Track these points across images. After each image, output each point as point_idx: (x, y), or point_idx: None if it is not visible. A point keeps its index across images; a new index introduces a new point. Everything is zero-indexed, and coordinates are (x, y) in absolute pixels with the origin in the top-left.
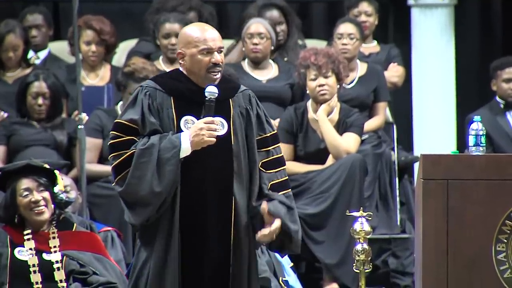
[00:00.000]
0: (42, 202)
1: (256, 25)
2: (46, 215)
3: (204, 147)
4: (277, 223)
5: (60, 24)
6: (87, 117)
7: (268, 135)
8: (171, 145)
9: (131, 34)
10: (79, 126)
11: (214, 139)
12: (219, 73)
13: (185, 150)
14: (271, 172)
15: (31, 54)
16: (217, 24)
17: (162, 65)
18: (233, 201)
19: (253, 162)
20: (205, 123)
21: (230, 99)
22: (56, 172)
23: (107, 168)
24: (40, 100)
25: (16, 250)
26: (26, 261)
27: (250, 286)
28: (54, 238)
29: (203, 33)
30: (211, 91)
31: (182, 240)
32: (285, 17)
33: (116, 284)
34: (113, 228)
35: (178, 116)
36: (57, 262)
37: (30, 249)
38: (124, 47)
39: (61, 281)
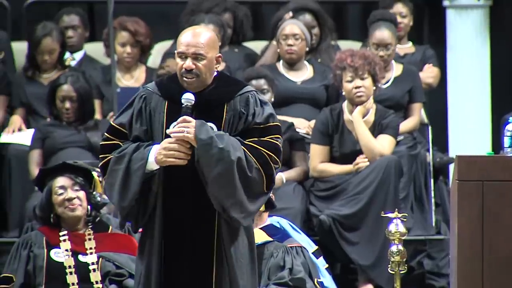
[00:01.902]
0: (76, 201)
1: (291, 26)
2: (79, 212)
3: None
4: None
5: (95, 25)
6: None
7: (262, 126)
8: (140, 157)
9: (166, 35)
10: None
11: (176, 160)
12: (194, 79)
13: (152, 163)
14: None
15: (67, 55)
16: (252, 25)
17: None
18: (217, 212)
19: None
20: (169, 143)
21: (226, 104)
22: (94, 173)
23: None
24: (67, 104)
25: (52, 252)
26: (62, 262)
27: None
28: (90, 239)
29: (184, 36)
30: (187, 98)
31: (165, 250)
32: (317, 20)
33: None
34: None
35: (168, 121)
36: (93, 263)
37: (66, 250)
38: (159, 49)
39: (96, 282)
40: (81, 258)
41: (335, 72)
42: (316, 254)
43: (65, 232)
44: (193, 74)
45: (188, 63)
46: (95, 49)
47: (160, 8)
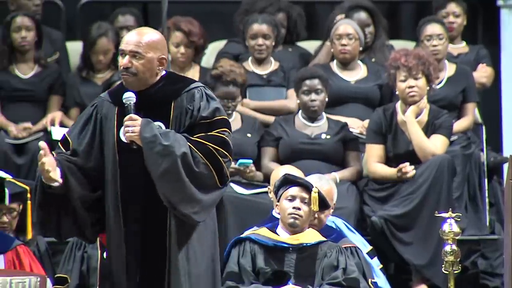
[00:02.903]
0: None
1: (345, 26)
2: None
3: (140, 149)
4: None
5: (149, 25)
6: None
7: (208, 121)
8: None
9: (220, 35)
10: None
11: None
12: (130, 78)
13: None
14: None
15: None
16: (306, 25)
17: (251, 66)
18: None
19: None
20: None
21: (173, 101)
22: None
23: None
24: None
25: (106, 253)
26: None
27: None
28: None
29: (127, 34)
30: (127, 96)
31: (126, 251)
32: (372, 18)
33: None
34: None
35: (119, 125)
36: None
37: None
38: (213, 48)
39: None
40: None
41: (389, 71)
42: (371, 254)
43: None
44: (129, 73)
45: (124, 60)
46: None
47: (214, 8)
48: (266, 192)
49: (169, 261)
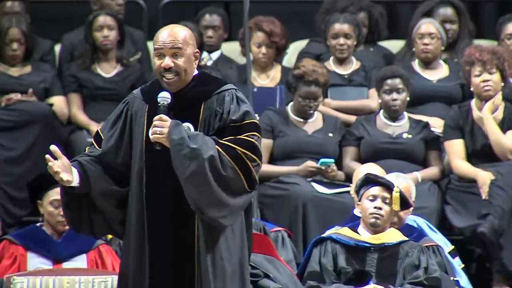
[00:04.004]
0: None
1: (427, 25)
2: None
3: (167, 150)
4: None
5: (231, 25)
6: (258, 118)
7: (238, 124)
8: None
9: (301, 34)
10: None
11: None
12: (174, 78)
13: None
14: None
15: (204, 54)
16: (387, 24)
17: (332, 66)
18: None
19: None
20: None
21: (203, 103)
22: None
23: (277, 169)
24: None
25: None
26: None
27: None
28: None
29: (160, 33)
30: (163, 96)
31: (150, 255)
32: (458, 16)
33: None
34: (283, 228)
35: (149, 123)
36: None
37: None
38: (295, 48)
39: None
40: None
41: (464, 68)
42: (452, 254)
43: None
44: (172, 72)
45: (167, 61)
46: (231, 48)
47: (295, 7)
48: (348, 192)
49: (199, 266)
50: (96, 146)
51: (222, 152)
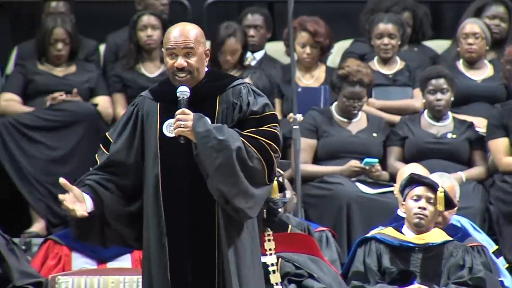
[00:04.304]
0: None
1: (471, 25)
2: None
3: (186, 147)
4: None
5: (275, 24)
6: (302, 118)
7: (258, 116)
8: None
9: (346, 34)
10: (294, 127)
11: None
12: (187, 77)
13: None
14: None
15: (248, 54)
16: (432, 24)
17: (377, 66)
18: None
19: None
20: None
21: (218, 96)
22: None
23: (321, 169)
24: None
25: None
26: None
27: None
28: (269, 240)
29: (171, 32)
30: (182, 90)
31: (169, 249)
32: (509, 15)
33: None
34: (327, 228)
35: (162, 121)
36: (272, 264)
37: None
38: (339, 48)
39: (276, 284)
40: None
41: (504, 67)
42: (496, 253)
43: None
44: (185, 72)
45: (180, 61)
46: (275, 48)
47: (340, 7)
48: (392, 192)
49: (220, 259)
50: (105, 150)
51: (247, 143)
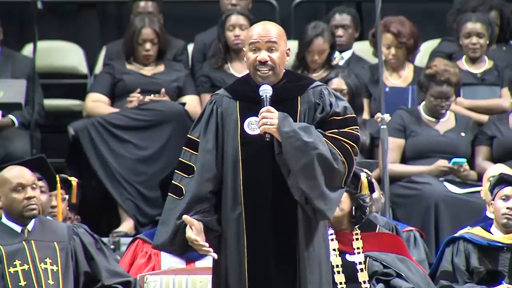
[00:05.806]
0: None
1: None
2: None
3: (267, 144)
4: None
5: (363, 24)
6: (389, 118)
7: (340, 118)
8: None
9: (433, 34)
10: (382, 126)
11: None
12: (269, 72)
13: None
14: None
15: (335, 54)
16: None
17: (465, 65)
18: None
19: None
20: None
21: (299, 97)
22: (363, 174)
23: (409, 168)
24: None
25: None
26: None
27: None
28: (357, 239)
29: (254, 29)
30: (264, 89)
31: (248, 247)
32: None
33: None
34: (415, 228)
35: (242, 119)
36: (360, 263)
37: (334, 250)
38: (427, 47)
39: (364, 282)
40: (348, 257)
41: None
42: None
43: (332, 231)
44: (268, 67)
45: (263, 55)
46: (363, 48)
47: (427, 7)
48: (479, 192)
49: (301, 257)
50: (193, 152)
51: (331, 144)
